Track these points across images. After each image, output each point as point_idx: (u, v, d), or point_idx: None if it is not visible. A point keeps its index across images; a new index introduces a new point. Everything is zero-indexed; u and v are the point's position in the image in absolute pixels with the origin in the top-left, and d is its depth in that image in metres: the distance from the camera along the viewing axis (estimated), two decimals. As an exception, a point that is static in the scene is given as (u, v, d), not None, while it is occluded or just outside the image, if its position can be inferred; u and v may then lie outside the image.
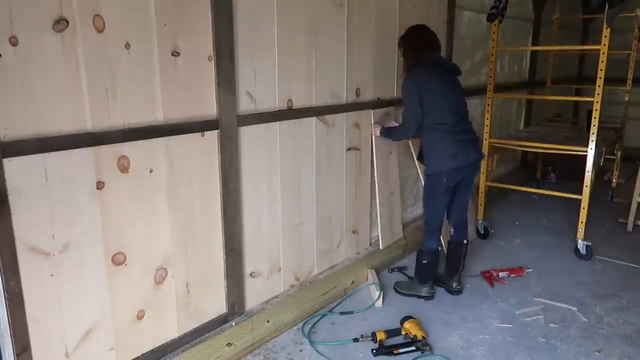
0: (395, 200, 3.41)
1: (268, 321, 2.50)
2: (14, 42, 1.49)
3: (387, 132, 3.07)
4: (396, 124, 3.11)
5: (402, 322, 2.58)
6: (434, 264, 2.99)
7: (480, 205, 3.98)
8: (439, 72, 2.84)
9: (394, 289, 3.09)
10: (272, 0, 2.31)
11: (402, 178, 3.57)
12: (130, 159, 1.84)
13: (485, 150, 3.86)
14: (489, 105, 3.93)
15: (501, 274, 3.26)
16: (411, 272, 3.20)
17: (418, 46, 2.87)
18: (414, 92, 2.78)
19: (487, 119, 3.95)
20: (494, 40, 3.82)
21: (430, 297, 2.98)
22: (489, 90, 3.92)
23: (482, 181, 4.00)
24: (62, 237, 1.68)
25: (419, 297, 2.99)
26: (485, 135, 3.90)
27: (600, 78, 3.42)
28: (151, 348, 2.04)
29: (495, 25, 3.78)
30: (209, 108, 2.10)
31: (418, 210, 3.85)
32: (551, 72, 5.33)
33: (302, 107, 2.57)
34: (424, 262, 2.98)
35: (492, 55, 3.85)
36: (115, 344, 1.90)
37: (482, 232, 3.98)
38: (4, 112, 1.50)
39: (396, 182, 3.41)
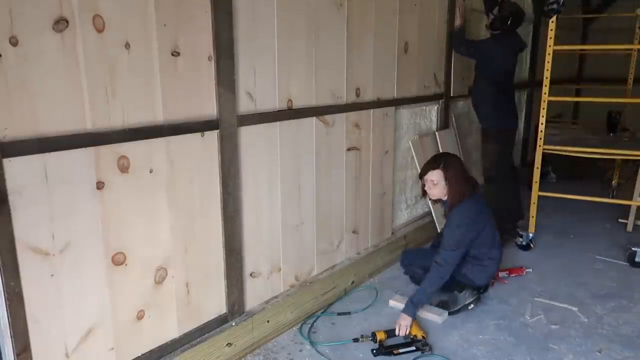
0: (387, 201, 3.41)
1: (268, 321, 2.50)
2: (14, 42, 1.49)
3: (424, 295, 2.69)
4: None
5: None
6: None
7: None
8: (483, 205, 2.85)
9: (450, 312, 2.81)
10: (272, 0, 2.31)
11: (403, 178, 3.58)
12: (130, 159, 1.84)
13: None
14: (544, 108, 3.56)
15: (501, 274, 3.26)
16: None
17: (464, 175, 2.80)
18: (470, 230, 2.75)
19: (542, 123, 3.57)
20: (551, 38, 3.45)
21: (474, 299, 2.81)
22: (544, 90, 3.55)
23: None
24: (62, 237, 1.68)
25: (466, 309, 2.80)
26: (540, 142, 3.58)
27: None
28: (151, 348, 2.04)
29: (552, 22, 3.45)
30: (209, 108, 2.10)
31: (418, 210, 3.85)
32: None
33: (302, 107, 2.57)
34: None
35: (549, 54, 3.46)
36: (115, 344, 1.90)
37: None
38: (4, 112, 1.50)
39: (389, 182, 3.40)
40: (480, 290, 2.89)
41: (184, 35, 1.94)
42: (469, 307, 2.81)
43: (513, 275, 3.28)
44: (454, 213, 2.76)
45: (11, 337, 1.59)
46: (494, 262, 2.91)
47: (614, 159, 4.76)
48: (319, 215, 2.81)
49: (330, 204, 2.89)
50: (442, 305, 2.83)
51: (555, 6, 3.41)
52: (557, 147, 3.62)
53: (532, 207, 3.70)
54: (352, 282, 3.09)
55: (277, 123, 2.45)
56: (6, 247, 1.54)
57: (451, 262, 2.70)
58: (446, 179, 2.74)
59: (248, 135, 2.29)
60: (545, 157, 3.64)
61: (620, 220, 4.24)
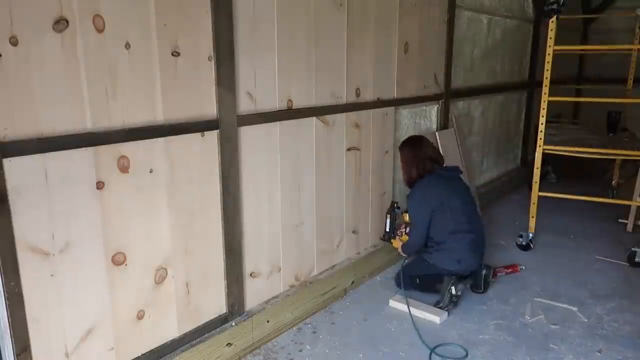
0: (387, 201, 3.39)
1: (268, 321, 2.50)
2: (14, 42, 1.49)
3: (407, 249, 3.10)
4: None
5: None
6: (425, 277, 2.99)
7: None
8: (446, 180, 2.89)
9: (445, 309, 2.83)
10: (272, 0, 2.31)
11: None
12: (130, 159, 1.84)
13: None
14: (544, 108, 3.55)
15: (499, 273, 3.27)
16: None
17: (416, 158, 2.95)
18: (423, 206, 2.89)
19: (542, 123, 3.55)
20: (551, 38, 3.45)
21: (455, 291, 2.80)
22: (544, 90, 3.57)
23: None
24: (62, 237, 1.68)
25: (452, 295, 2.80)
26: (540, 142, 3.58)
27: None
28: (151, 348, 2.04)
29: (552, 22, 3.45)
30: (209, 108, 2.10)
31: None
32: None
33: (302, 107, 2.57)
34: (417, 282, 2.99)
35: (549, 55, 3.47)
36: (115, 344, 1.90)
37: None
38: (4, 112, 1.50)
39: (389, 183, 3.40)
40: (459, 276, 2.85)
41: (184, 35, 1.94)
42: (454, 293, 2.78)
43: (508, 271, 3.29)
44: (409, 195, 3.02)
45: (11, 337, 1.60)
46: (460, 244, 2.87)
47: (614, 159, 4.77)
48: (319, 215, 2.81)
49: (330, 204, 2.89)
50: (437, 304, 2.84)
51: (555, 6, 3.41)
52: (557, 147, 3.62)
53: (532, 207, 3.70)
54: (352, 282, 3.09)
55: (277, 123, 2.45)
56: (6, 247, 1.55)
57: (417, 237, 3.00)
58: (401, 161, 3.09)
59: (248, 135, 2.29)
60: (545, 157, 3.64)
61: (620, 220, 4.24)
